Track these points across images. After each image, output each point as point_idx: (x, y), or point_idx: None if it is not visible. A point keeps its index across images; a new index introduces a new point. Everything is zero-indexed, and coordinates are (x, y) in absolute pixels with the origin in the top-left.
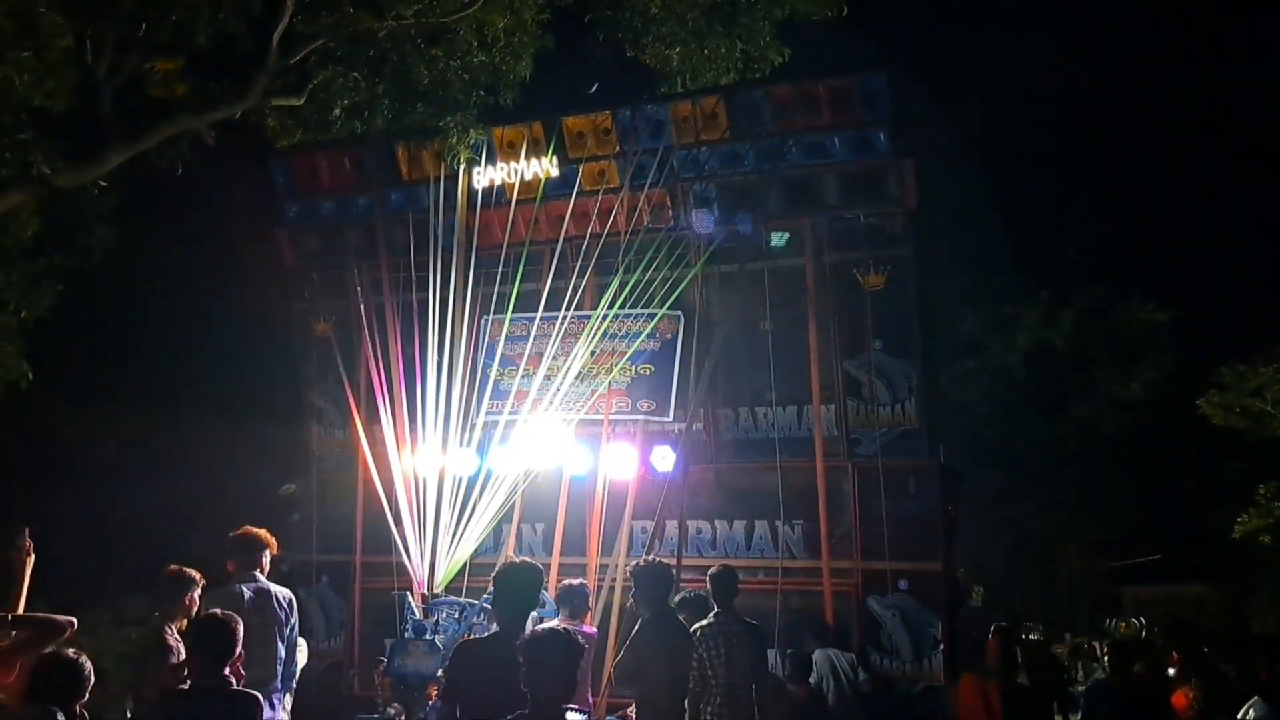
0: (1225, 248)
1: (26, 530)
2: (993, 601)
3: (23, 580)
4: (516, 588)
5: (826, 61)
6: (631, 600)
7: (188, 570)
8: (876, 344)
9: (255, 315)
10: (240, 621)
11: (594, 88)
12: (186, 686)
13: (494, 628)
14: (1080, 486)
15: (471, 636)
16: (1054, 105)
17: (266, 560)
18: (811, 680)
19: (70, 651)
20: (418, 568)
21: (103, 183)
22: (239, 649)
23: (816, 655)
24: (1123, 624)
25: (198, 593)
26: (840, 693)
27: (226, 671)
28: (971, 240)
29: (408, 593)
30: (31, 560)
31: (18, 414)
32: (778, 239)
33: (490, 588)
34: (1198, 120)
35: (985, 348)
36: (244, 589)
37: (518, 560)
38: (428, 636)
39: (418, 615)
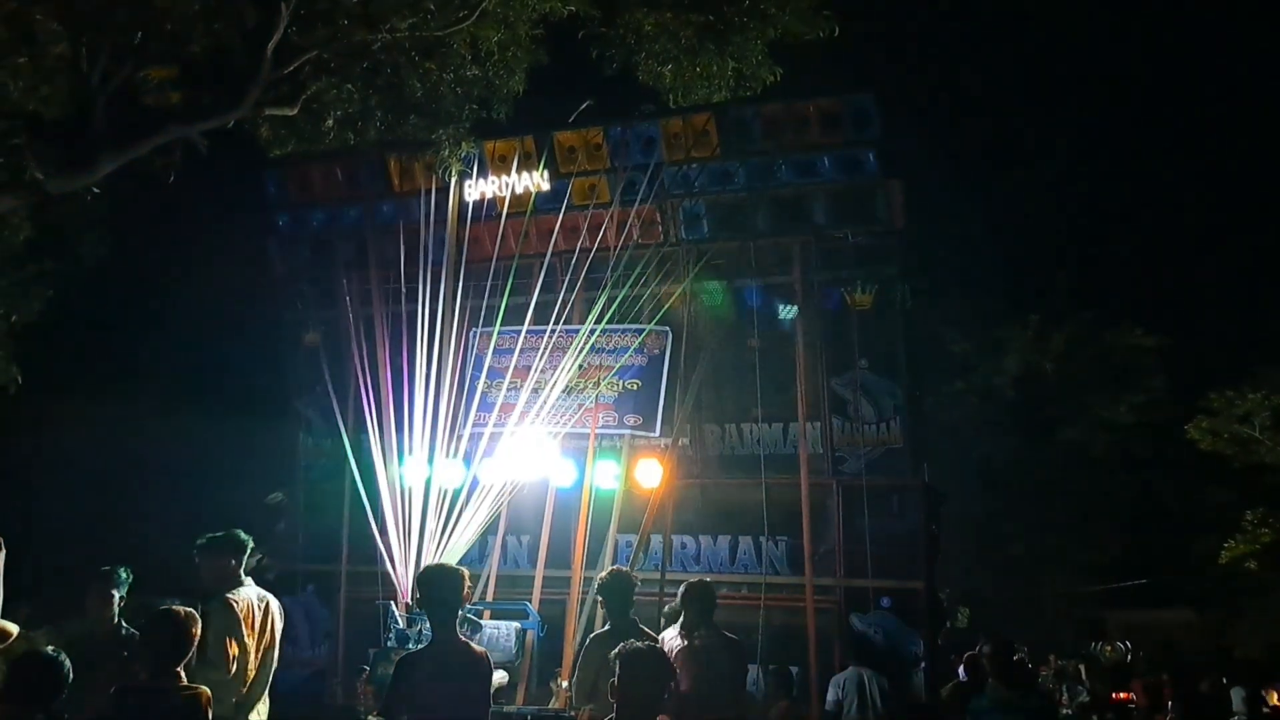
0: (1215, 274)
1: None
2: (978, 623)
3: None
4: (439, 589)
5: (818, 82)
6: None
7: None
8: (863, 363)
9: (245, 324)
10: (197, 621)
11: (586, 105)
12: (139, 683)
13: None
14: (1067, 510)
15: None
16: (1046, 129)
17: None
18: (832, 698)
19: (49, 649)
20: (402, 578)
21: (95, 189)
22: (193, 649)
23: (847, 673)
24: (1108, 647)
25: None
26: (863, 714)
27: (179, 669)
28: (962, 263)
29: (392, 602)
30: (1, 555)
31: (6, 418)
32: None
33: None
34: (1190, 146)
35: (974, 370)
36: (250, 594)
37: (437, 563)
38: (411, 645)
39: (401, 625)
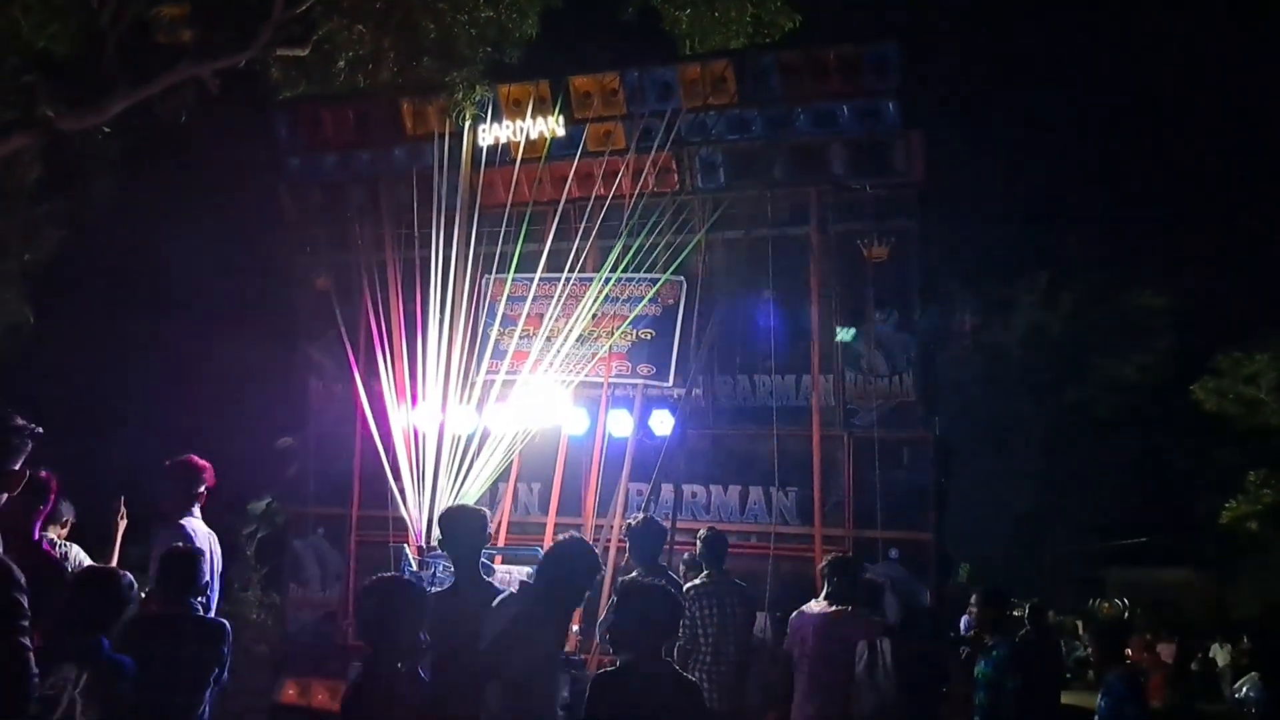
0: (1225, 236)
1: (122, 499)
2: (978, 578)
3: (115, 542)
4: (462, 530)
5: (838, 29)
6: (626, 559)
7: None
8: (878, 316)
9: (255, 267)
10: (205, 555)
11: (606, 50)
12: (151, 613)
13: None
14: (1071, 468)
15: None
16: (1059, 90)
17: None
18: None
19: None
20: (415, 522)
21: (106, 129)
22: (205, 579)
23: None
24: (1106, 604)
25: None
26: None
27: (194, 600)
28: (972, 221)
29: (404, 546)
30: (124, 525)
31: (18, 357)
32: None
33: (438, 533)
34: (1202, 107)
35: (982, 328)
36: (191, 526)
37: (459, 504)
38: None
39: (413, 568)
